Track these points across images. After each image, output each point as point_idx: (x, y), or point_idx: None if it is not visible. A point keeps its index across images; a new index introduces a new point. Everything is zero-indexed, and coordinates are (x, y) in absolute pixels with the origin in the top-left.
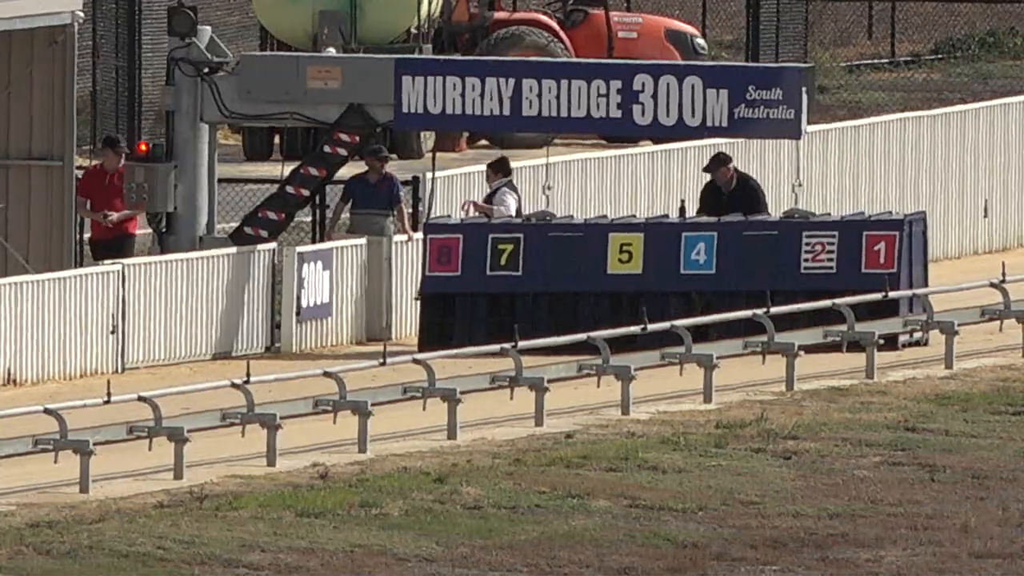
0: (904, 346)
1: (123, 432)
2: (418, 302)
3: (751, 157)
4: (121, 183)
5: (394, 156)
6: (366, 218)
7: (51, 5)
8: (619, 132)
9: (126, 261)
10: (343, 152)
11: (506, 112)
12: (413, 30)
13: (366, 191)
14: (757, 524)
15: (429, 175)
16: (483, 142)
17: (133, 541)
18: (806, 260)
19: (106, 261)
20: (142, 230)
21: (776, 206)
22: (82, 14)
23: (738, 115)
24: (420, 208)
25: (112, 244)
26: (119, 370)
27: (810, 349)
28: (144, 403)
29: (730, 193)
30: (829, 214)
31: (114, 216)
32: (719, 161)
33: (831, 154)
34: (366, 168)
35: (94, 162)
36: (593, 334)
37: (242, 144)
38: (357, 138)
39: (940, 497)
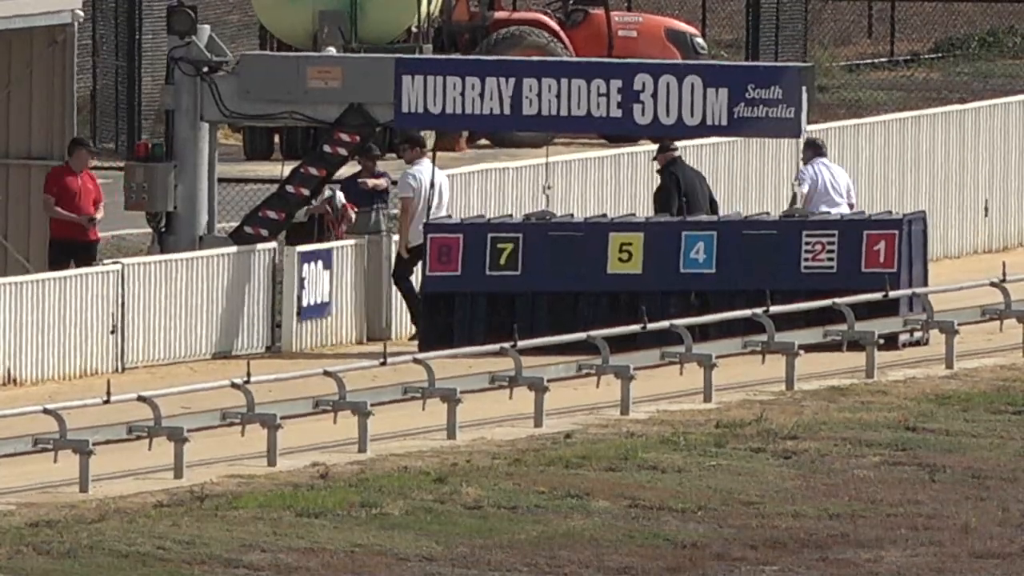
0: (904, 345)
1: (123, 432)
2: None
3: (751, 156)
4: (92, 183)
5: (394, 156)
6: (362, 217)
7: (51, 4)
8: (619, 131)
9: (126, 261)
10: (343, 152)
11: (506, 112)
12: (413, 29)
13: (362, 191)
14: (757, 524)
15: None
16: (483, 141)
17: (133, 541)
18: (806, 259)
19: (107, 261)
20: (141, 229)
21: (776, 205)
22: (82, 13)
23: (738, 114)
24: None
25: (74, 247)
26: (119, 370)
27: (810, 348)
28: (144, 403)
29: None
30: (829, 213)
31: (98, 216)
32: (658, 148)
33: (831, 153)
34: (360, 168)
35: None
36: (593, 333)
37: (242, 144)
38: (357, 138)
39: (940, 497)
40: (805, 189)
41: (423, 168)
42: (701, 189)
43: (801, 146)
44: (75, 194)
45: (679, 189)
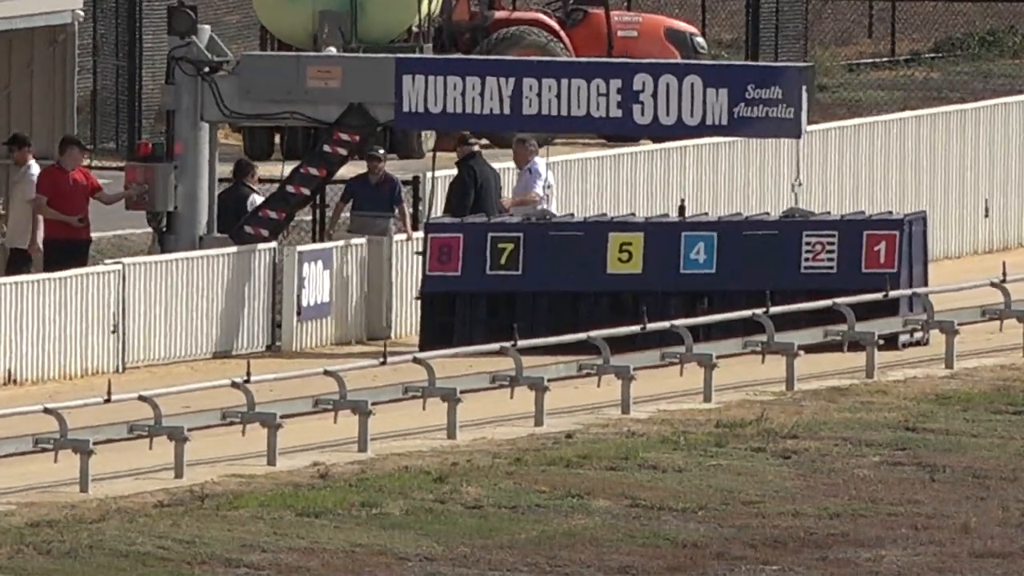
0: (904, 346)
1: (123, 431)
2: (418, 302)
3: (751, 156)
4: (83, 180)
5: (394, 156)
6: (367, 220)
7: (51, 4)
8: (619, 131)
9: (126, 260)
10: (343, 151)
11: (506, 111)
12: (414, 29)
13: (367, 192)
14: (757, 524)
15: (429, 175)
16: (484, 141)
17: (133, 540)
18: (806, 260)
19: (107, 261)
20: (141, 229)
21: (776, 205)
22: (82, 13)
23: (738, 114)
24: (420, 208)
25: (68, 246)
26: (119, 369)
27: (810, 349)
28: (144, 402)
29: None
30: (829, 213)
31: (118, 195)
32: (457, 142)
33: (831, 153)
34: (367, 169)
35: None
36: (593, 333)
37: (242, 144)
38: (357, 137)
39: (940, 497)
40: (541, 191)
41: None
42: (496, 187)
43: (801, 146)
44: (67, 193)
45: (476, 185)
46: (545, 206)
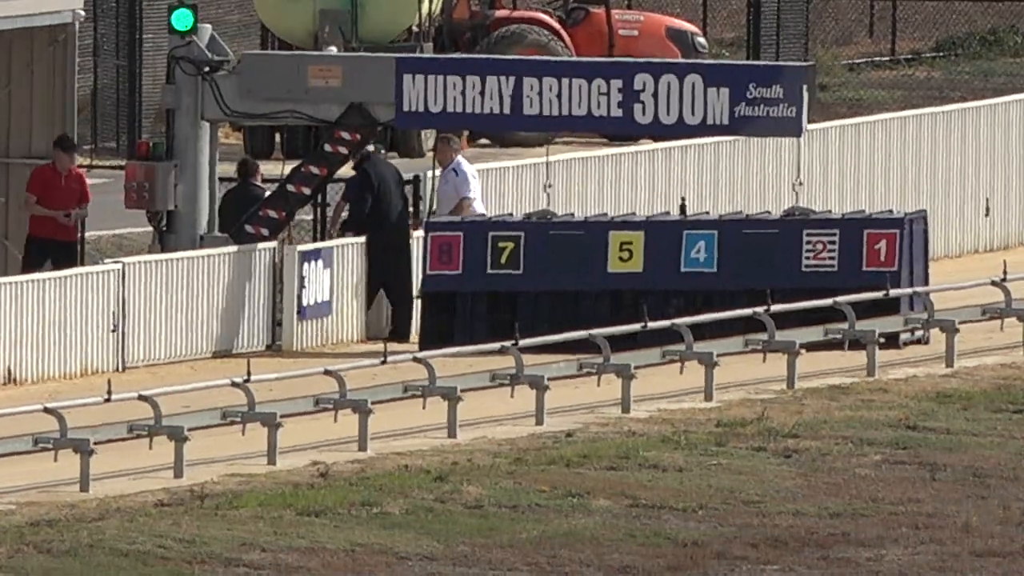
0: (905, 344)
1: (123, 431)
2: (418, 301)
3: (751, 156)
4: (77, 183)
5: (394, 155)
6: None
7: (52, 4)
8: (620, 131)
9: (127, 260)
10: (344, 151)
11: (507, 111)
12: (414, 28)
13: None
14: (758, 523)
15: (430, 174)
16: (484, 141)
17: (133, 540)
18: (807, 258)
19: (107, 260)
20: (141, 228)
21: (777, 204)
22: (83, 13)
23: (739, 113)
24: (421, 207)
25: (52, 245)
26: (119, 369)
27: (811, 347)
28: (144, 402)
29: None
30: (830, 212)
31: (75, 212)
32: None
33: (832, 152)
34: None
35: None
36: (594, 332)
37: (243, 143)
38: (358, 137)
39: (941, 496)
40: (472, 192)
41: None
42: (396, 185)
43: (802, 145)
44: (55, 193)
45: (373, 187)
46: (479, 208)
